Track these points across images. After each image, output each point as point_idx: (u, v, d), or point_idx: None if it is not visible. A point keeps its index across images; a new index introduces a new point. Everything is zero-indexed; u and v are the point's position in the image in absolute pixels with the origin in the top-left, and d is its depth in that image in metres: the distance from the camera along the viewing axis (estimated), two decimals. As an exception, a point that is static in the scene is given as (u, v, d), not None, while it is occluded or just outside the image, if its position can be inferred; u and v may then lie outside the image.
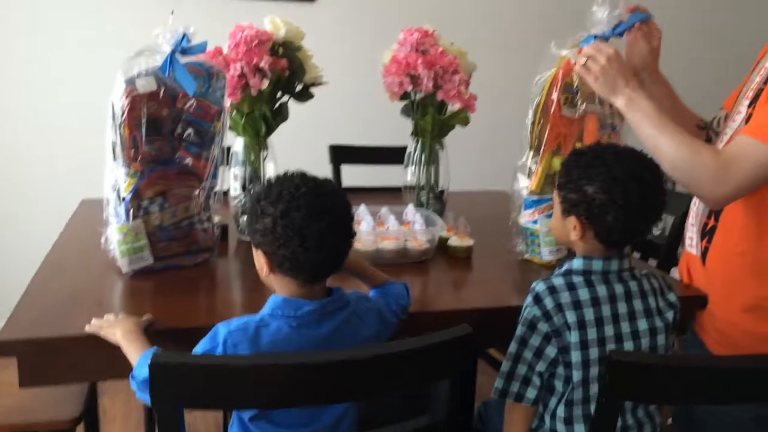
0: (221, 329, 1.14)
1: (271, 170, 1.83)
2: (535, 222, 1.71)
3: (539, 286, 1.29)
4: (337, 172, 2.62)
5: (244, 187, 1.82)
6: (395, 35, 1.85)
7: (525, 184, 1.71)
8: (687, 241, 1.63)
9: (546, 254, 1.72)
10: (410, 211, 1.86)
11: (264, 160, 1.82)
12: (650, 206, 1.27)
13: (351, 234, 1.19)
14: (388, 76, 1.79)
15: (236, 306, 1.46)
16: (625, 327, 1.29)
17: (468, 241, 1.77)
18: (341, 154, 2.64)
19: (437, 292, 1.64)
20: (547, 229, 1.69)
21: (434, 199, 1.95)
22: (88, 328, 1.27)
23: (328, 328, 1.18)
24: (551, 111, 1.65)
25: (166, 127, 1.55)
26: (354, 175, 2.57)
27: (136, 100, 1.47)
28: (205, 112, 1.58)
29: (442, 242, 1.78)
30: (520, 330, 1.30)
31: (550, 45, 1.65)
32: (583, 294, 1.28)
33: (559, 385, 1.30)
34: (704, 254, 1.54)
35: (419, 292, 1.58)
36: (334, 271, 1.21)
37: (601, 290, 1.29)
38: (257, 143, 1.80)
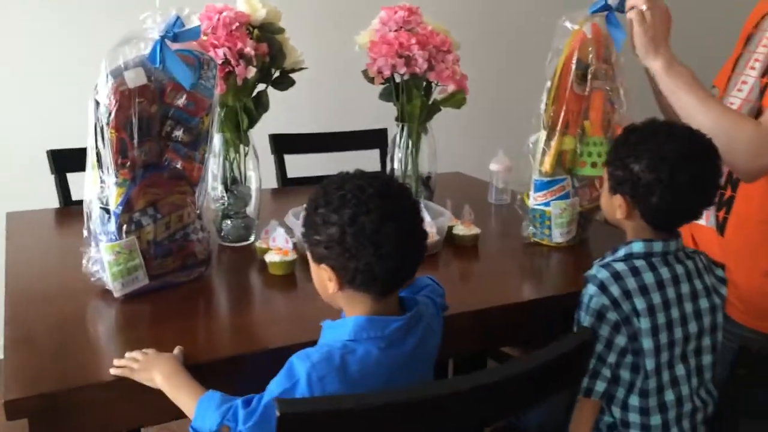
0: (298, 364, 0.98)
1: (252, 167, 1.65)
2: (546, 204, 1.65)
3: (602, 273, 1.23)
4: (281, 162, 2.44)
5: (227, 188, 1.62)
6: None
7: (536, 166, 1.64)
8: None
9: (557, 236, 1.67)
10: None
11: (245, 156, 1.63)
12: (701, 188, 1.23)
13: (425, 236, 1.07)
14: (377, 58, 1.66)
15: (255, 328, 1.28)
16: (688, 307, 1.26)
17: (474, 230, 1.68)
18: (283, 143, 2.46)
19: (453, 288, 1.53)
20: (560, 210, 1.64)
21: (422, 186, 1.85)
22: (114, 372, 1.07)
23: (411, 344, 1.06)
24: (565, 89, 1.58)
25: (155, 126, 1.33)
26: (299, 166, 2.40)
27: (124, 97, 1.25)
28: (197, 107, 1.37)
29: (447, 232, 1.69)
30: (586, 321, 1.23)
31: (560, 20, 1.59)
32: (648, 278, 1.23)
33: (625, 374, 1.25)
34: (722, 225, 1.55)
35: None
36: (408, 279, 1.08)
37: (664, 272, 1.25)
38: (238, 138, 1.61)
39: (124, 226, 1.31)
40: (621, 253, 1.27)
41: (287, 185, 2.32)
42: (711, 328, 1.29)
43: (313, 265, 1.07)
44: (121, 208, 1.30)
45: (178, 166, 1.39)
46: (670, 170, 1.19)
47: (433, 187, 1.86)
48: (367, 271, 1.00)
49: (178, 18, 1.27)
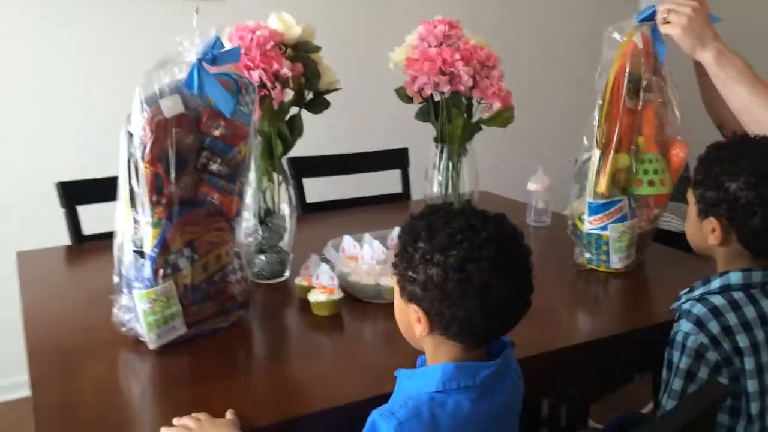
0: (383, 423, 0.85)
1: (286, 198, 1.52)
2: (603, 227, 1.53)
3: (698, 309, 1.12)
4: (299, 188, 2.31)
5: (261, 221, 1.49)
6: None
7: (590, 189, 1.53)
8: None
9: (615, 261, 1.56)
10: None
11: (279, 185, 1.51)
12: None
13: (532, 289, 0.94)
14: (418, 76, 1.54)
15: (313, 382, 1.14)
16: None
17: (527, 257, 1.56)
18: (302, 167, 2.33)
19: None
20: (618, 234, 1.53)
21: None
22: None
23: (503, 394, 0.94)
24: (618, 104, 1.48)
25: (191, 158, 1.21)
26: (312, 189, 2.27)
27: (160, 128, 1.12)
28: (235, 135, 1.25)
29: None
30: (683, 362, 1.11)
31: (607, 31, 1.49)
32: (750, 312, 1.12)
33: (724, 419, 1.14)
34: None
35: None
36: (506, 332, 0.96)
37: (766, 305, 1.13)
38: (271, 166, 1.48)
39: (161, 271, 1.18)
40: (716, 284, 1.16)
41: (308, 212, 2.19)
42: None
43: (399, 300, 0.95)
44: (156, 250, 1.17)
45: (215, 200, 1.26)
46: None
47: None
48: (465, 323, 0.89)
49: (217, 39, 1.15)
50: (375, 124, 2.92)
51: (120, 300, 1.21)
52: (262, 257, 1.51)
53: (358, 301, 1.41)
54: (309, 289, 1.40)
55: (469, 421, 0.88)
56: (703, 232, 1.18)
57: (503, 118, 1.60)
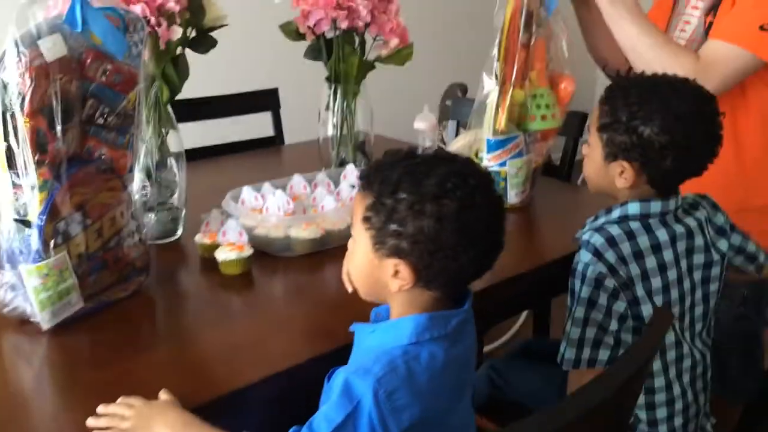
0: (358, 381, 0.79)
1: (174, 146, 1.38)
2: (503, 164, 1.54)
3: (595, 239, 1.15)
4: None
5: (149, 175, 1.34)
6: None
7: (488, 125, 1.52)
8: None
9: (513, 197, 1.58)
10: (350, 172, 1.56)
11: (167, 134, 1.36)
12: (711, 145, 1.18)
13: (505, 233, 0.90)
14: (312, 10, 1.43)
15: (243, 350, 1.04)
16: (683, 265, 1.21)
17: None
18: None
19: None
20: (515, 169, 1.54)
21: (360, 153, 1.67)
22: None
23: (470, 340, 0.91)
24: (516, 40, 1.47)
25: (76, 109, 1.04)
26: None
27: (41, 73, 0.95)
28: (125, 81, 1.09)
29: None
30: (584, 291, 1.14)
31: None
32: (643, 242, 1.16)
33: (627, 337, 1.19)
34: None
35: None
36: None
37: (661, 234, 1.18)
38: (157, 114, 1.33)
39: (51, 241, 1.02)
40: (615, 214, 1.19)
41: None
42: (703, 280, 1.25)
43: (365, 257, 0.87)
44: (44, 218, 1.01)
45: (105, 156, 1.11)
46: (684, 130, 1.12)
47: (370, 154, 1.69)
48: (457, 271, 0.85)
49: (101, -34, 0.98)
50: (254, 65, 2.75)
51: (3, 277, 1.04)
52: (152, 216, 1.37)
53: (264, 256, 1.32)
54: (213, 247, 1.29)
55: (444, 371, 0.85)
56: (610, 174, 1.19)
57: (402, 56, 1.54)
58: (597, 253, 1.14)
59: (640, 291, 1.16)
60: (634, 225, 1.18)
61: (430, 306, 0.87)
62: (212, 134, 2.14)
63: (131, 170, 1.18)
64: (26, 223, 1.01)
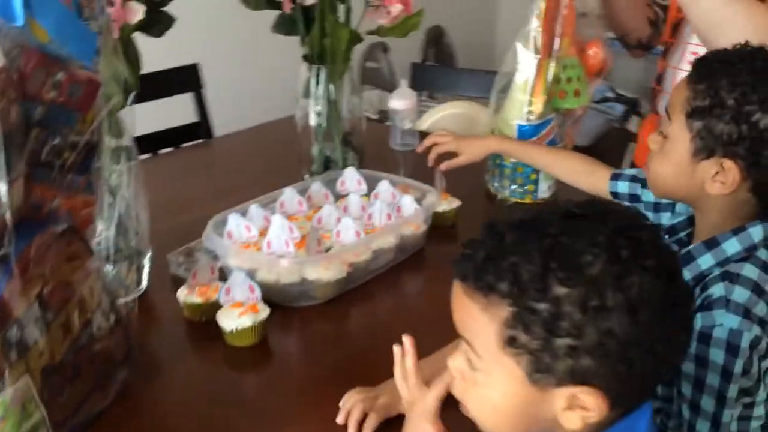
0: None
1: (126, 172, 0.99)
2: (537, 154, 1.26)
3: (738, 293, 0.83)
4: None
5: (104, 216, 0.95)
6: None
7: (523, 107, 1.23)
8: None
9: (544, 191, 1.32)
10: (349, 178, 1.23)
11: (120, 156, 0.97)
12: None
13: None
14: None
15: None
16: None
17: (454, 202, 1.24)
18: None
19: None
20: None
21: (347, 148, 1.34)
22: None
23: None
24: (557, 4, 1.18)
25: (18, 146, 0.65)
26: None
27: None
28: (85, 93, 0.71)
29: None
30: (737, 365, 0.87)
31: None
32: None
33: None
34: None
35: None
36: None
37: None
38: (108, 125, 0.94)
39: (4, 362, 0.64)
40: (734, 247, 0.92)
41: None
42: None
43: (517, 390, 0.57)
44: (-12, 328, 0.63)
45: (59, 209, 0.73)
46: None
47: (362, 150, 1.36)
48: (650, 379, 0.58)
49: None
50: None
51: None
52: (110, 268, 0.98)
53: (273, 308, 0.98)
54: (207, 308, 0.94)
55: None
56: (698, 176, 0.90)
57: (408, 25, 1.21)
58: (747, 313, 0.86)
59: None
60: (764, 254, 0.91)
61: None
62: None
63: (93, 221, 0.80)
64: (-41, 342, 0.62)
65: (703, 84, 0.88)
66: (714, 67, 0.90)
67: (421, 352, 0.88)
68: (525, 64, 1.20)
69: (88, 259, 0.77)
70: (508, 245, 0.56)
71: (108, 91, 0.85)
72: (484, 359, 0.58)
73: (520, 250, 0.55)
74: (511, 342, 0.55)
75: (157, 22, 0.99)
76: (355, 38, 1.24)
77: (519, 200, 1.32)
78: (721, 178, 0.86)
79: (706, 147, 0.87)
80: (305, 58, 1.25)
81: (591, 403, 0.55)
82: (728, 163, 0.85)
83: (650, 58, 1.48)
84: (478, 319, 0.57)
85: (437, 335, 0.95)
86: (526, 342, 0.55)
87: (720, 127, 0.85)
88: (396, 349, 0.73)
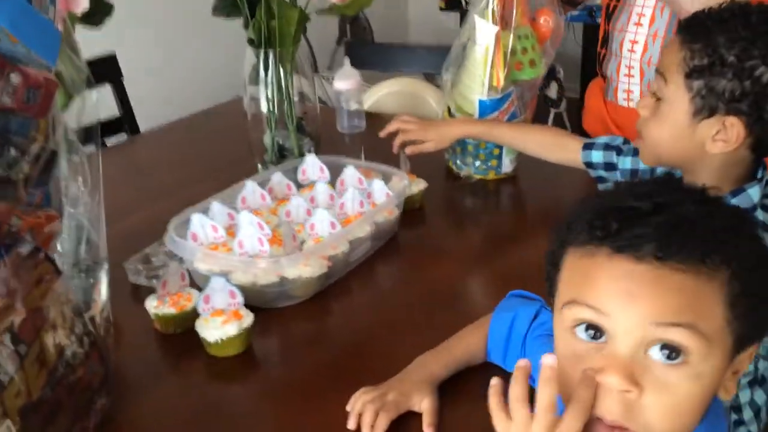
0: None
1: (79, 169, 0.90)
2: (499, 128, 1.23)
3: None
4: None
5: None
6: None
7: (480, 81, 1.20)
8: (620, 95, 1.39)
9: (507, 165, 1.30)
10: (310, 166, 1.17)
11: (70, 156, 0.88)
12: None
13: None
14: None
15: None
16: None
17: (421, 183, 1.20)
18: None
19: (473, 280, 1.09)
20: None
21: (301, 135, 1.27)
22: None
23: None
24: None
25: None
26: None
27: None
28: (43, 97, 0.63)
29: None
30: None
31: None
32: None
33: None
34: None
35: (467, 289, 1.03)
36: None
37: None
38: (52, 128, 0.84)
39: (-20, 410, 0.56)
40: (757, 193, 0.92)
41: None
42: None
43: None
44: (-40, 374, 0.54)
45: (19, 229, 0.64)
46: None
47: (316, 135, 1.30)
48: None
49: None
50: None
51: None
52: (73, 284, 0.89)
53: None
54: (180, 318, 0.87)
55: None
56: (697, 137, 0.90)
57: (361, 1, 1.15)
58: None
59: None
60: (762, 215, 0.91)
61: None
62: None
63: (56, 236, 0.72)
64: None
65: (699, 43, 0.86)
66: (708, 26, 0.87)
67: (405, 343, 0.85)
68: (484, 36, 1.17)
69: (56, 281, 0.69)
70: None
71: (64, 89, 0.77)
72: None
73: None
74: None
75: (98, 10, 0.89)
76: (304, 18, 1.17)
77: (482, 176, 1.30)
78: (722, 137, 0.85)
79: (708, 105, 0.85)
80: (251, 42, 1.18)
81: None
82: (731, 120, 0.84)
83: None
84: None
85: (420, 323, 0.93)
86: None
87: (722, 85, 0.84)
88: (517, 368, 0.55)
